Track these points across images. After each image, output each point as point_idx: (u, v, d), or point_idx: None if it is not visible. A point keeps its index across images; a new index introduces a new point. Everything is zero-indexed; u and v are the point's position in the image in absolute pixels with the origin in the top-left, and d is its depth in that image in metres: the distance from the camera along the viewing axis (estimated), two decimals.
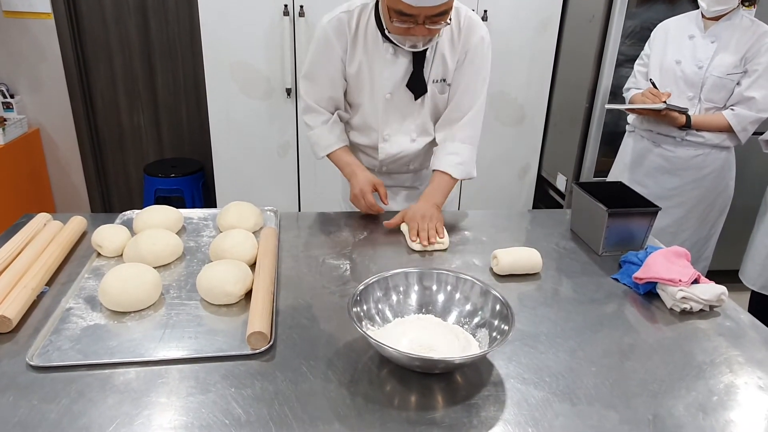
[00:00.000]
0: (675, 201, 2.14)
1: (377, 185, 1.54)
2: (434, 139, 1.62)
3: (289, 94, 2.69)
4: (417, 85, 1.51)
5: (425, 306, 1.09)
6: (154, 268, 1.20)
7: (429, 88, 1.52)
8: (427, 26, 1.32)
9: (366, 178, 1.53)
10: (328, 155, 1.60)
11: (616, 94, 2.54)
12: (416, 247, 1.40)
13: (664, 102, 2.01)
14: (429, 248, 1.40)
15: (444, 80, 1.53)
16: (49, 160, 3.14)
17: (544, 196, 3.13)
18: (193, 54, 3.10)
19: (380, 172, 1.68)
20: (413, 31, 1.34)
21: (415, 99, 1.54)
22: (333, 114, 1.59)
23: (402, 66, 1.48)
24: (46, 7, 2.81)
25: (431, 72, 1.50)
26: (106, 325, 1.05)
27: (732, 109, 1.98)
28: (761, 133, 2.00)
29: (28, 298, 1.08)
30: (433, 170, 1.56)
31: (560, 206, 2.90)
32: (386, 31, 1.41)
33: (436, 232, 1.41)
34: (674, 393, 0.94)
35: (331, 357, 0.99)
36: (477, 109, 1.55)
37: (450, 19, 1.37)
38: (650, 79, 2.15)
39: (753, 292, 2.15)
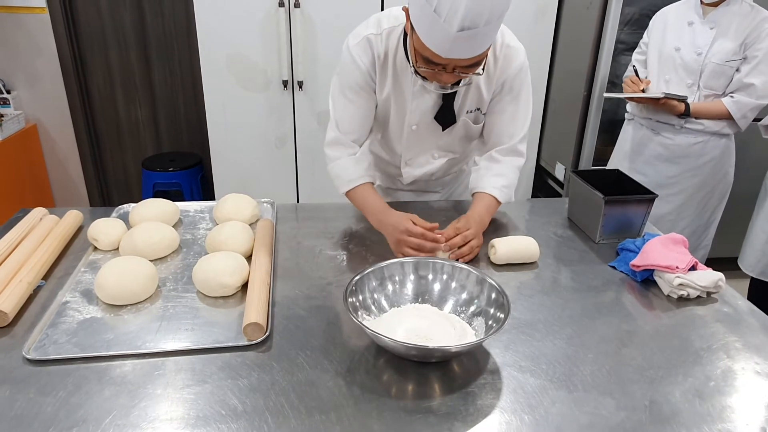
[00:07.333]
0: (674, 189, 2.13)
1: (413, 218, 1.29)
2: (457, 156, 1.56)
3: (285, 86, 2.67)
4: (446, 118, 1.41)
5: (421, 295, 1.09)
6: (151, 261, 1.20)
7: (462, 118, 1.43)
8: (457, 73, 1.20)
9: (401, 217, 1.30)
10: (349, 191, 1.43)
11: (614, 83, 2.52)
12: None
13: (643, 90, 2.00)
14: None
15: (479, 110, 1.43)
16: (47, 155, 3.13)
17: (543, 186, 3.12)
18: (189, 47, 3.09)
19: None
20: (441, 78, 1.22)
21: (443, 130, 1.45)
22: (360, 146, 1.46)
23: (431, 99, 1.38)
24: (41, 1, 2.80)
25: (466, 103, 1.41)
26: (102, 318, 1.05)
27: (731, 96, 1.97)
28: (761, 119, 1.99)
29: (24, 292, 1.08)
30: (477, 192, 1.44)
31: (559, 195, 2.89)
32: (413, 68, 1.28)
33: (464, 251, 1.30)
34: (671, 379, 0.94)
35: (327, 347, 0.99)
36: (523, 136, 1.46)
37: (483, 68, 1.22)
38: (633, 66, 2.14)
39: (752, 279, 2.15)
